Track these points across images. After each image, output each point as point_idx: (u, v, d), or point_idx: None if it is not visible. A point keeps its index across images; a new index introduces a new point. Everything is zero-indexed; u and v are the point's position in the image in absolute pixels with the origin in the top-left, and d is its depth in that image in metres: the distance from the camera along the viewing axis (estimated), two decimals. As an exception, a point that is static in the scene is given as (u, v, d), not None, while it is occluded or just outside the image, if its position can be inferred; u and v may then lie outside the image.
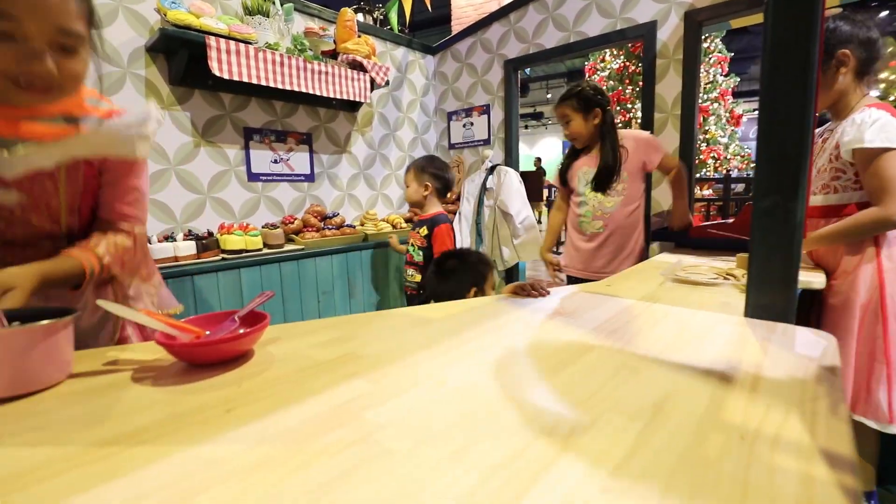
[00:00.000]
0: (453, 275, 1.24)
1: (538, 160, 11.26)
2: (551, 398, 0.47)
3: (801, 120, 0.66)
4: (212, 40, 1.62)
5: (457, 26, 5.39)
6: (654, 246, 1.92)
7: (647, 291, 0.96)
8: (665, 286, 1.01)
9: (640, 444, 0.37)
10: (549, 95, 14.62)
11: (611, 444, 0.37)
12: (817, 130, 1.22)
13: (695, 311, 0.79)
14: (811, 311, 1.21)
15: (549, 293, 0.94)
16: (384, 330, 0.73)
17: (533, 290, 0.93)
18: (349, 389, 0.50)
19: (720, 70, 5.70)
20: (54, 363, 0.53)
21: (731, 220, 1.60)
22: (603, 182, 1.60)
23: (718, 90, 5.58)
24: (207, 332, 0.62)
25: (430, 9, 3.18)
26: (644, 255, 1.64)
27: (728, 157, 5.82)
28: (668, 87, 1.90)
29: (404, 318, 0.80)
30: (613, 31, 2.04)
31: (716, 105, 5.57)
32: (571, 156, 1.74)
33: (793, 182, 0.67)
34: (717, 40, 5.72)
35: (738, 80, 6.09)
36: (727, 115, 5.88)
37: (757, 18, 1.82)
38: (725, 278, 1.00)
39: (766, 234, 0.69)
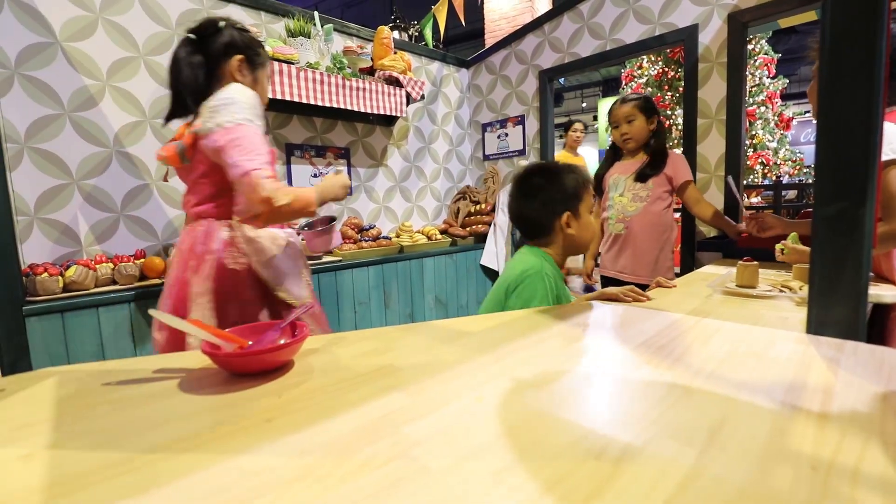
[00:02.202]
0: (539, 195, 1.03)
1: None
2: (597, 418, 0.44)
3: (868, 118, 0.61)
4: (257, 62, 1.70)
5: (490, 39, 5.46)
6: (700, 258, 1.83)
7: (695, 305, 0.91)
8: (714, 299, 0.96)
9: (697, 473, 0.34)
10: (583, 104, 14.42)
11: (664, 472, 0.35)
12: None
13: (749, 326, 0.74)
14: (873, 323, 1.12)
15: (648, 298, 0.91)
16: (421, 342, 0.72)
17: (627, 297, 0.91)
18: (387, 402, 0.49)
19: (767, 72, 5.45)
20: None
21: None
22: (644, 175, 1.69)
23: (766, 93, 5.32)
24: (250, 343, 0.63)
25: (463, 24, 3.22)
26: (683, 269, 1.60)
27: (778, 162, 5.52)
28: (712, 92, 1.83)
29: (441, 330, 0.79)
30: (652, 36, 1.99)
31: (763, 109, 5.32)
32: (607, 164, 1.84)
33: (860, 185, 0.62)
34: (763, 41, 5.48)
35: (787, 81, 5.79)
36: (776, 118, 5.59)
37: (807, 17, 1.73)
38: (781, 290, 0.93)
39: (831, 243, 0.64)
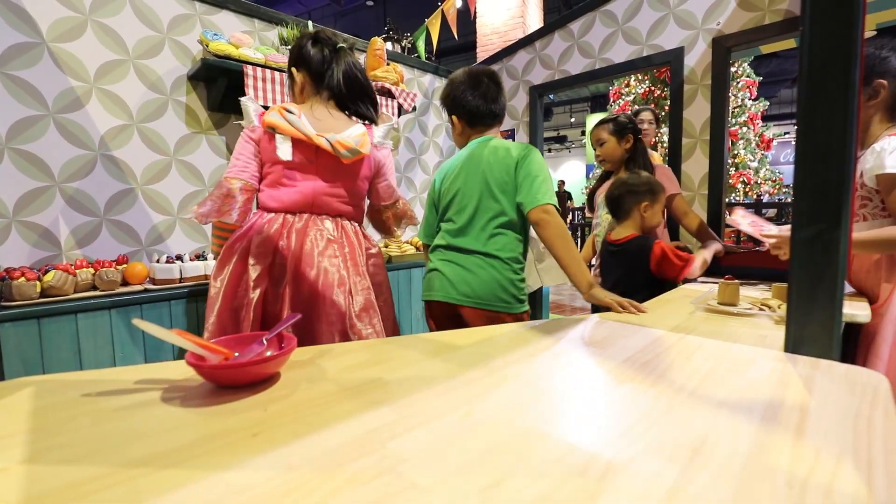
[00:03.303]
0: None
1: (561, 182, 11.23)
2: (582, 434, 0.45)
3: (843, 144, 0.64)
4: (249, 69, 1.70)
5: (482, 53, 5.54)
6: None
7: (678, 322, 0.93)
8: (696, 316, 0.98)
9: (679, 490, 0.35)
10: (572, 119, 14.69)
11: (647, 489, 0.35)
12: None
13: (730, 344, 0.76)
14: (847, 340, 1.16)
15: (643, 310, 0.99)
16: (410, 356, 0.73)
17: (621, 307, 1.01)
18: (374, 417, 0.49)
19: (749, 94, 5.63)
20: None
21: (764, 248, 1.54)
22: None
23: (747, 114, 5.49)
24: (236, 354, 0.63)
25: (456, 37, 3.27)
26: (668, 284, 1.62)
27: (758, 181, 5.68)
28: (697, 113, 1.88)
29: (430, 343, 0.79)
30: (639, 57, 2.04)
31: (745, 129, 5.48)
32: (598, 182, 1.91)
33: (835, 209, 0.65)
34: (745, 64, 5.66)
35: (768, 103, 5.99)
36: (757, 139, 5.76)
37: (787, 44, 1.80)
38: (761, 309, 0.96)
39: (808, 265, 0.67)
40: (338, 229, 1.19)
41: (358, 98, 1.25)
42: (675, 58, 1.92)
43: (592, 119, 11.67)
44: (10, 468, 0.40)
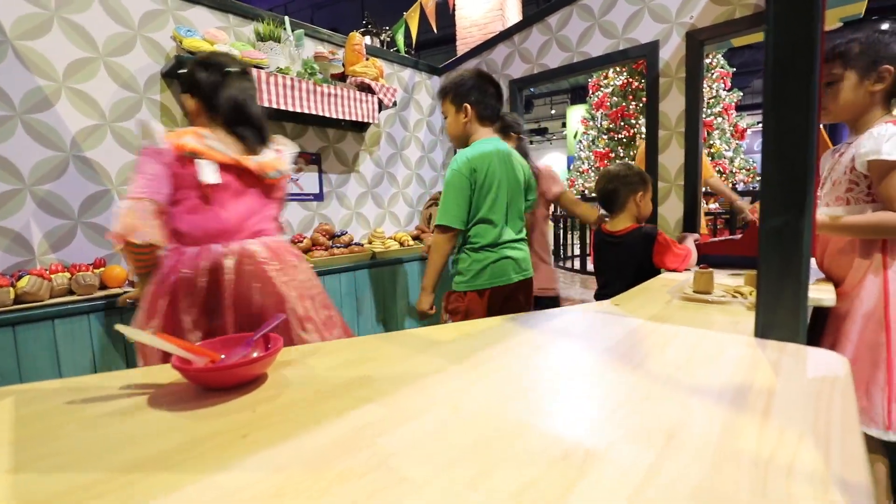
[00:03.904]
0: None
1: None
2: (564, 424, 0.47)
3: (806, 138, 0.67)
4: (225, 66, 1.67)
5: (461, 46, 5.52)
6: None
7: (656, 311, 0.96)
8: (673, 305, 1.01)
9: (654, 474, 0.37)
10: (553, 111, 14.77)
11: (624, 473, 0.37)
12: (835, 147, 1.23)
13: (704, 331, 0.79)
14: (816, 319, 1.21)
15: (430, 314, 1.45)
16: (396, 352, 0.74)
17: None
18: (363, 414, 0.51)
19: (723, 85, 5.75)
20: None
21: (738, 236, 1.60)
22: None
23: (722, 105, 5.61)
24: (223, 356, 0.63)
25: (435, 31, 3.26)
26: (649, 272, 1.65)
27: (733, 170, 5.83)
28: (672, 105, 1.92)
29: (416, 339, 0.80)
30: (616, 51, 2.07)
31: (720, 119, 5.61)
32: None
33: (800, 200, 0.68)
34: (720, 56, 5.78)
35: (742, 94, 6.13)
36: (731, 129, 5.90)
37: (758, 37, 1.85)
38: (734, 296, 1.00)
39: (775, 254, 0.70)
40: (268, 249, 1.16)
41: (243, 124, 1.18)
42: (650, 51, 1.95)
43: (573, 111, 11.76)
44: (-3, 479, 0.40)
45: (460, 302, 1.43)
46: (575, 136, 11.02)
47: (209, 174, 1.07)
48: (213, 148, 1.09)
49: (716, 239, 1.64)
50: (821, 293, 1.08)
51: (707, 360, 0.65)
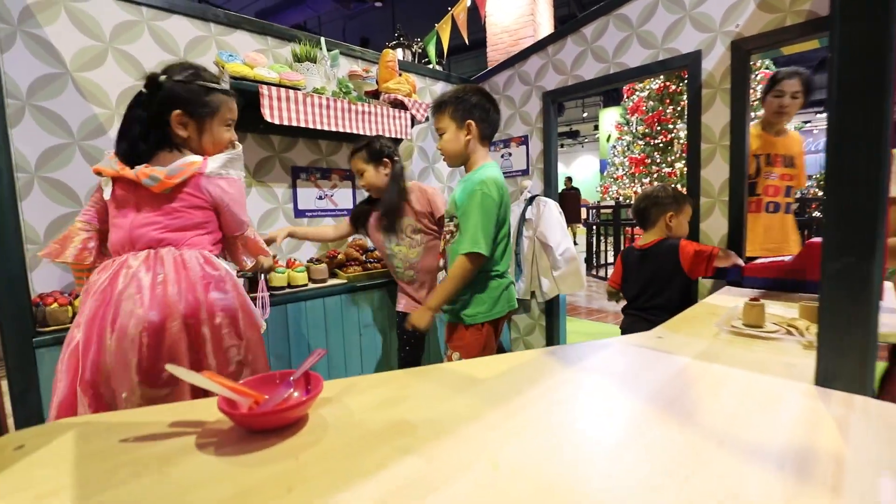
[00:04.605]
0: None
1: (568, 179, 10.98)
2: (610, 489, 0.45)
3: (876, 169, 0.61)
4: (264, 89, 1.72)
5: (492, 52, 5.50)
6: (707, 283, 1.84)
7: (703, 346, 0.92)
8: (721, 339, 0.96)
9: (716, 565, 0.35)
10: (584, 114, 14.54)
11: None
12: None
13: (757, 375, 0.75)
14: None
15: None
16: (432, 391, 0.73)
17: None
18: (404, 468, 0.50)
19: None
20: None
21: (788, 257, 1.51)
22: (386, 226, 1.78)
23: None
24: (266, 397, 0.64)
25: (466, 41, 3.26)
26: (686, 300, 1.64)
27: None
28: (716, 117, 1.85)
29: (450, 375, 0.80)
30: (655, 61, 2.01)
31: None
32: (367, 203, 1.90)
33: (869, 239, 0.63)
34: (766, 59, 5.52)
35: (788, 95, 5.83)
36: (777, 132, 5.63)
37: (811, 45, 1.75)
38: (788, 331, 0.94)
39: (839, 299, 0.65)
40: (151, 259, 1.05)
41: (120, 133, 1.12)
42: (692, 62, 1.88)
43: (605, 113, 11.53)
44: (60, 533, 0.42)
45: (477, 336, 1.36)
46: (608, 140, 10.79)
47: (106, 191, 1.10)
48: (106, 163, 1.09)
49: (763, 260, 1.55)
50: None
51: (763, 412, 0.61)
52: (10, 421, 1.34)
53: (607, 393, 0.70)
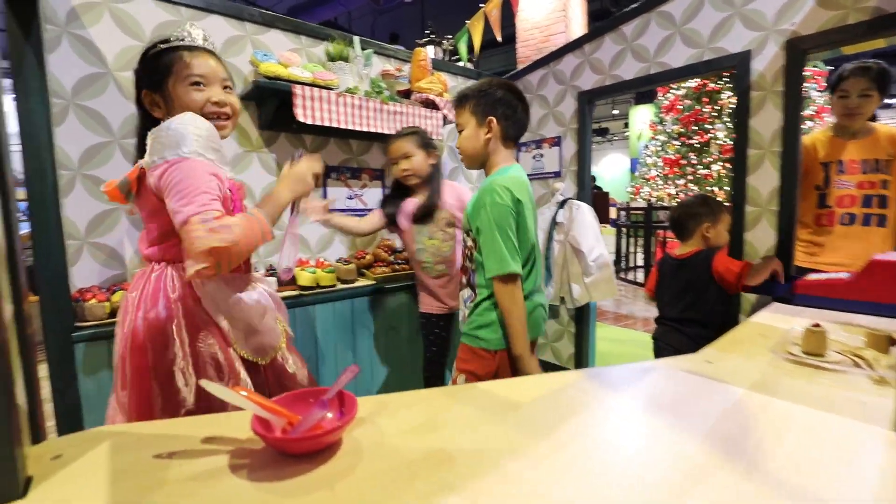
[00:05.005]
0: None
1: (592, 178, 10.69)
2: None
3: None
4: (297, 88, 1.72)
5: (522, 48, 5.41)
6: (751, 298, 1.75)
7: (758, 375, 0.85)
8: (777, 366, 0.89)
9: None
10: (615, 111, 14.19)
11: None
12: None
13: (825, 414, 0.68)
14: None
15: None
16: (470, 415, 0.70)
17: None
18: (445, 512, 0.47)
19: (815, 85, 5.21)
20: None
21: (846, 275, 1.41)
22: (422, 218, 1.76)
23: (816, 108, 5.08)
24: (300, 418, 0.62)
25: (499, 39, 3.20)
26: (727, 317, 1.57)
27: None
28: (766, 122, 1.74)
29: (485, 398, 0.76)
30: (700, 61, 1.91)
31: (810, 124, 5.08)
32: (395, 195, 1.85)
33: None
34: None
35: (837, 95, 5.51)
36: (824, 134, 5.33)
37: (875, 44, 1.62)
38: (854, 362, 0.86)
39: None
40: (139, 278, 0.97)
41: None
42: (740, 62, 1.78)
43: (637, 111, 11.21)
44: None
45: (488, 361, 1.19)
46: (639, 138, 10.49)
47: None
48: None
49: (819, 276, 1.46)
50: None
51: (838, 462, 0.55)
52: (49, 419, 1.38)
53: (657, 426, 0.65)
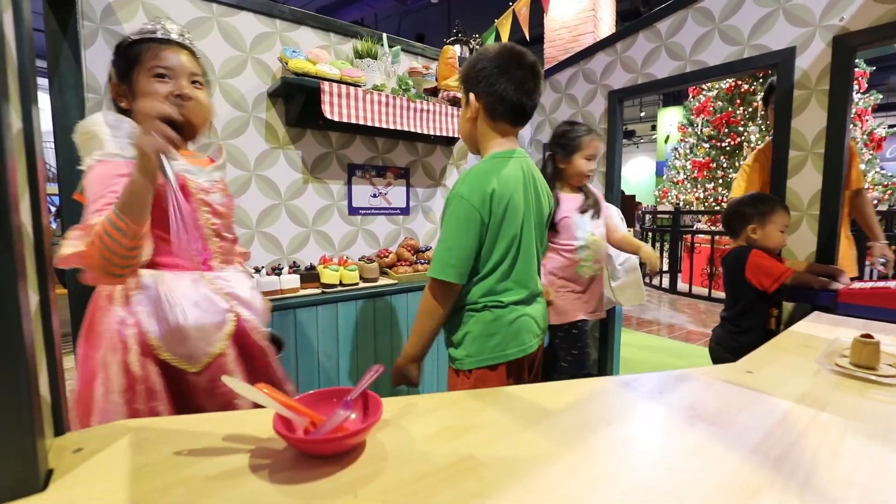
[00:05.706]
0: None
1: None
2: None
3: None
4: (325, 85, 1.72)
5: (549, 48, 5.34)
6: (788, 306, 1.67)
7: (804, 387, 0.80)
8: (824, 379, 0.84)
9: None
10: (642, 114, 13.90)
11: None
12: None
13: (883, 431, 0.63)
14: None
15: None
16: (499, 421, 0.67)
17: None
18: (474, 525, 0.44)
19: (856, 86, 4.98)
20: None
21: (894, 283, 1.32)
22: (595, 213, 1.71)
23: (855, 109, 4.85)
24: (323, 418, 0.60)
25: (527, 38, 3.15)
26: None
27: (867, 186, 5.03)
28: (809, 122, 1.65)
29: (515, 402, 0.73)
30: (739, 59, 1.83)
31: (850, 127, 4.86)
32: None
33: None
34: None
35: (881, 96, 5.27)
36: (866, 137, 5.09)
37: (931, 40, 1.52)
38: (912, 378, 0.80)
39: None
40: None
41: None
42: (784, 60, 1.69)
43: (665, 113, 10.95)
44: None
45: (462, 383, 1.04)
46: (666, 141, 10.24)
47: None
48: None
49: (864, 284, 1.37)
50: None
51: (904, 490, 0.50)
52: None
53: (699, 440, 0.61)
